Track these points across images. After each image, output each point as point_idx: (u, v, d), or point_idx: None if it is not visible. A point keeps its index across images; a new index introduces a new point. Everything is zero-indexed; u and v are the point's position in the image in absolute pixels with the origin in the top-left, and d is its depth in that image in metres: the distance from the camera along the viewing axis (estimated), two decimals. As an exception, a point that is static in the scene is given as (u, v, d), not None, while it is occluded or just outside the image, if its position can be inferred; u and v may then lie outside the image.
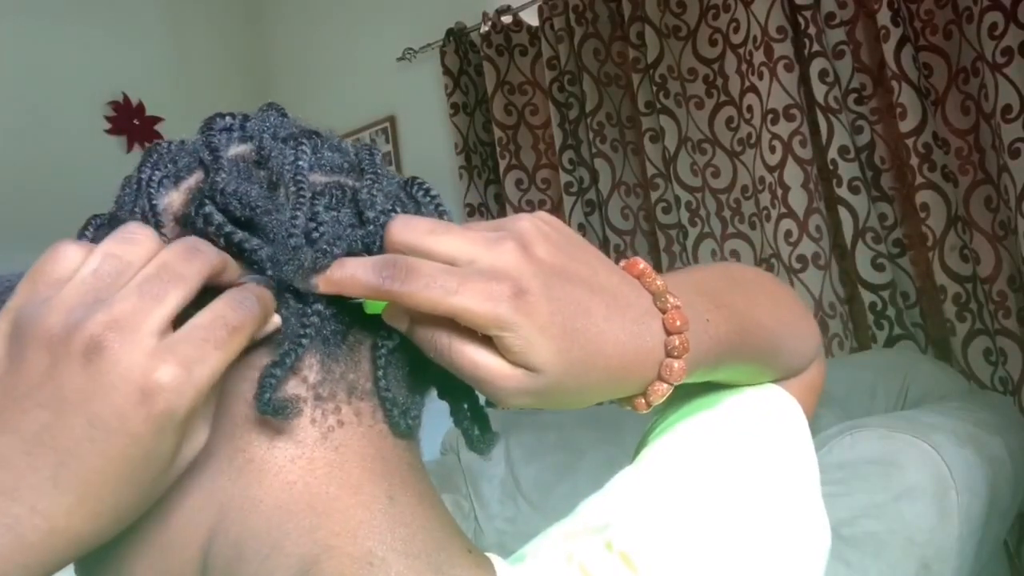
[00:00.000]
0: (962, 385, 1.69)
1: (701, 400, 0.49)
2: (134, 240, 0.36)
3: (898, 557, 1.18)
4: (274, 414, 0.36)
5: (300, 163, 0.41)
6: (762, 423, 0.48)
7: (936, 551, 1.17)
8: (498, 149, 2.47)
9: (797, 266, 1.97)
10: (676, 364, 0.39)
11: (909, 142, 1.80)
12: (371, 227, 0.40)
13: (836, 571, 1.21)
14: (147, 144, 2.76)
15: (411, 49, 2.70)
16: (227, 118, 0.44)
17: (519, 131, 2.48)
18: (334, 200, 0.40)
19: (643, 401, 0.41)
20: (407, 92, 2.79)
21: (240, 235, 0.38)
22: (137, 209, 0.40)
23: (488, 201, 2.54)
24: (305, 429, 0.38)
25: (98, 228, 0.42)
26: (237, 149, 0.42)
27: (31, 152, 2.49)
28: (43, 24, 2.62)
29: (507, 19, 2.48)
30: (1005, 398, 1.72)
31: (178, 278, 0.35)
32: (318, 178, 0.42)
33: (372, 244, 0.39)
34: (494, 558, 0.40)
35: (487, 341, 0.36)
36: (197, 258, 0.36)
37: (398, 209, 0.42)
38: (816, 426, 1.54)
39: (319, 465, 0.38)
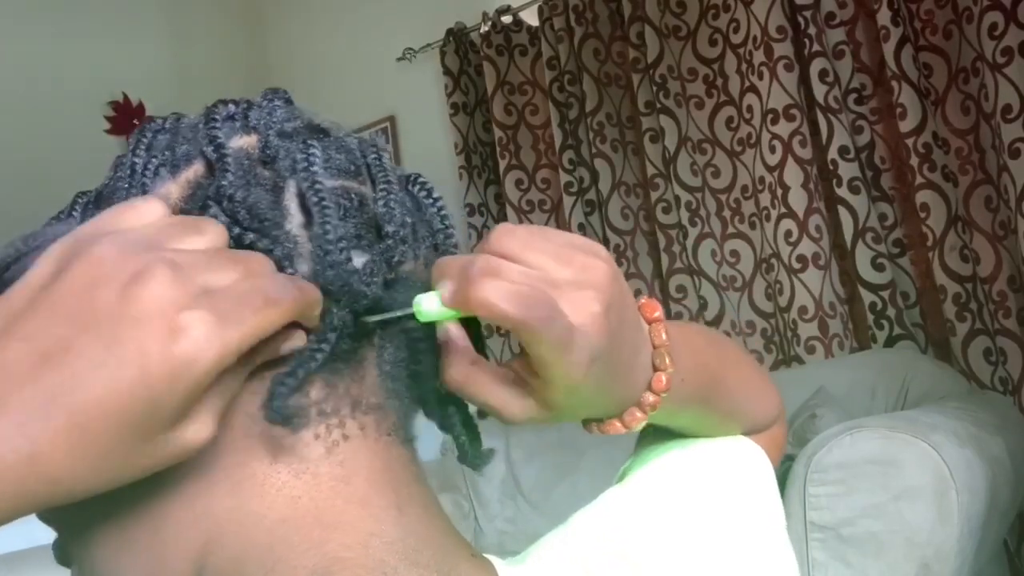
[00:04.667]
0: (962, 385, 1.69)
1: (677, 442, 0.52)
2: (206, 230, 0.36)
3: (898, 557, 1.18)
4: (283, 423, 0.36)
5: (313, 168, 0.39)
6: (732, 461, 0.52)
7: (936, 551, 1.17)
8: (498, 149, 2.47)
9: (797, 266, 1.97)
10: (639, 415, 0.42)
11: (909, 142, 1.80)
12: (390, 242, 0.39)
13: (836, 571, 1.21)
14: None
15: (411, 49, 2.70)
16: (230, 106, 0.42)
17: (519, 131, 2.48)
18: (343, 210, 0.39)
19: (596, 428, 0.44)
20: (407, 92, 2.79)
21: (251, 237, 0.37)
22: (131, 197, 0.39)
23: (488, 201, 2.54)
24: (309, 444, 0.37)
25: (85, 207, 0.41)
26: (240, 142, 0.40)
27: (31, 152, 2.49)
28: (43, 24, 2.62)
29: (507, 19, 2.48)
30: (1005, 398, 1.72)
31: (236, 264, 0.34)
32: (326, 182, 0.40)
33: (392, 258, 0.39)
34: (493, 559, 0.40)
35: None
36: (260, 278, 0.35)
37: (408, 219, 0.40)
38: (816, 426, 1.54)
39: (324, 480, 0.37)
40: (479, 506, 2.17)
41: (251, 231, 0.37)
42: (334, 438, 0.38)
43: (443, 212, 0.43)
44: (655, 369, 0.42)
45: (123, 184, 0.40)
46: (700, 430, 0.52)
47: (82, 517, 0.37)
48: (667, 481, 0.48)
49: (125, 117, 2.76)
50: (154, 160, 0.40)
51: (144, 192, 0.39)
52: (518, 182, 2.45)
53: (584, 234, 2.32)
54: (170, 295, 0.31)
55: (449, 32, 2.56)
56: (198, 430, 0.33)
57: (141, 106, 2.79)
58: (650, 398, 0.42)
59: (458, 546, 0.39)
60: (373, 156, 0.42)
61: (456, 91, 2.54)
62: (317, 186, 0.38)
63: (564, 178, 2.34)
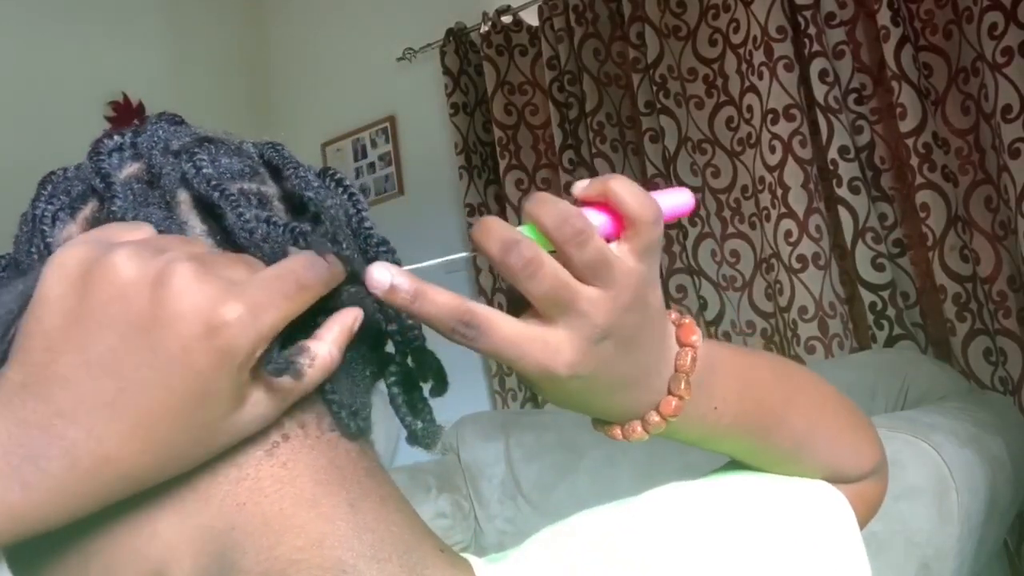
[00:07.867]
0: (962, 385, 1.69)
1: (748, 470, 0.51)
2: (194, 240, 0.38)
3: (898, 557, 1.18)
4: (287, 372, 0.35)
5: (205, 170, 0.39)
6: (795, 499, 0.49)
7: (936, 551, 1.17)
8: (498, 149, 2.47)
9: (797, 266, 1.97)
10: (639, 430, 0.43)
11: (909, 142, 1.80)
12: (328, 223, 0.38)
13: (836, 571, 1.21)
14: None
15: (411, 49, 2.70)
16: (115, 138, 0.42)
17: (519, 131, 2.48)
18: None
19: (600, 428, 0.44)
20: (407, 92, 2.79)
21: None
22: (33, 249, 0.39)
23: (488, 201, 2.54)
24: (246, 450, 0.36)
25: (3, 270, 0.41)
26: (130, 170, 0.40)
27: (31, 152, 2.48)
28: (43, 24, 2.61)
29: (507, 19, 2.48)
30: (1005, 398, 1.72)
31: (239, 260, 0.36)
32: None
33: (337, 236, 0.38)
34: (471, 558, 0.40)
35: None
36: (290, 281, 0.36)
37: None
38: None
39: (266, 484, 0.36)
40: (479, 506, 2.17)
41: None
42: (272, 440, 0.37)
43: (355, 197, 0.42)
44: (669, 392, 0.42)
45: (25, 237, 0.40)
46: (759, 464, 0.50)
47: (28, 559, 0.37)
48: (713, 500, 0.46)
49: (125, 117, 2.76)
50: (51, 207, 0.40)
51: (45, 241, 0.39)
52: (518, 182, 2.45)
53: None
54: (196, 293, 0.32)
55: (449, 32, 2.56)
56: (258, 411, 0.35)
57: (141, 106, 2.79)
58: (654, 417, 0.42)
59: (423, 540, 0.39)
60: (272, 152, 0.42)
61: (456, 91, 2.54)
62: (213, 182, 0.38)
63: (564, 178, 2.34)
